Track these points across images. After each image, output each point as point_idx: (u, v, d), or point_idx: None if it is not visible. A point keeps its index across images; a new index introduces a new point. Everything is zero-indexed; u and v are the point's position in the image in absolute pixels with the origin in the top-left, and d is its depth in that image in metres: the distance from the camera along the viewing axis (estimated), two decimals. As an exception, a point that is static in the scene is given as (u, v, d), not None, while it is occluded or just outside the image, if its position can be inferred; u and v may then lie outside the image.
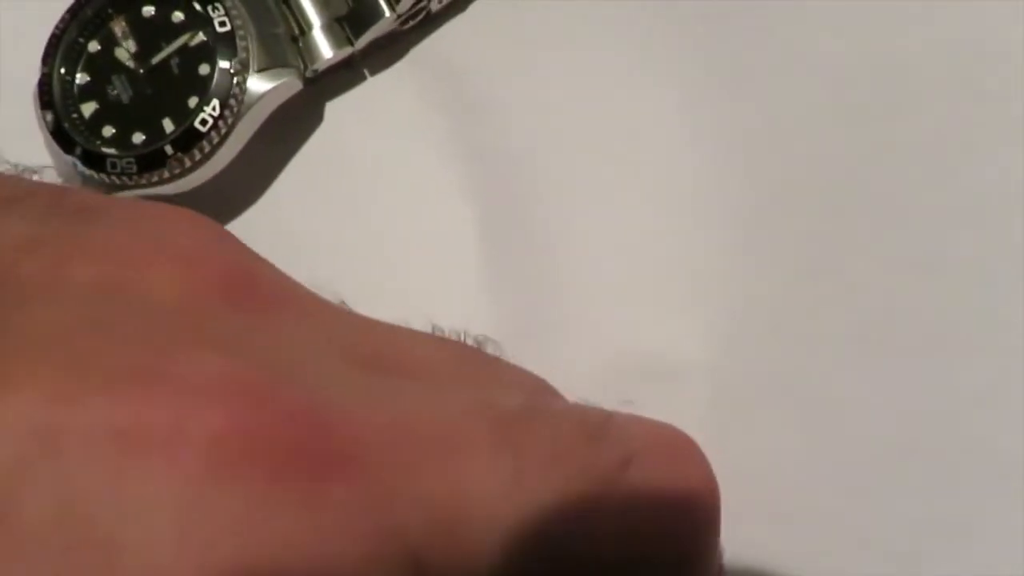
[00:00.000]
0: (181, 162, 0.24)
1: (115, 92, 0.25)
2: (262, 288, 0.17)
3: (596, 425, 0.18)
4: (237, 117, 0.24)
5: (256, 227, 0.26)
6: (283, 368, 0.16)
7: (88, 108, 0.25)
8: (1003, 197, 0.24)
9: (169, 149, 0.24)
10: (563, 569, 0.17)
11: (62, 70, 0.25)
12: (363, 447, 0.15)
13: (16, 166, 0.20)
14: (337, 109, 0.26)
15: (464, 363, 0.19)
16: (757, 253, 0.25)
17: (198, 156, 0.24)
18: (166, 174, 0.24)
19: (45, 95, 0.25)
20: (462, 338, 0.20)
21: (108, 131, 0.25)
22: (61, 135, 0.25)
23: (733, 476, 0.23)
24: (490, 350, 0.21)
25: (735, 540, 0.22)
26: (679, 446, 0.19)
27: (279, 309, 0.17)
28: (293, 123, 0.26)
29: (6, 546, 0.13)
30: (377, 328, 0.18)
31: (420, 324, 0.20)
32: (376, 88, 0.26)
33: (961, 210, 0.24)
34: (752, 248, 0.25)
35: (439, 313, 0.21)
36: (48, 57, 0.25)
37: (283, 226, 0.26)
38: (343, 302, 0.20)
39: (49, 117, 0.25)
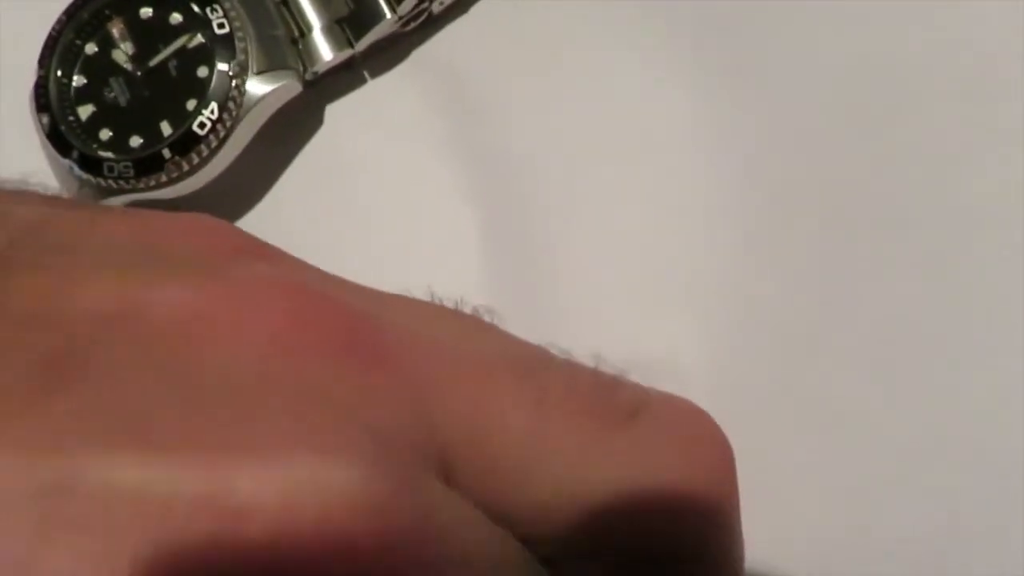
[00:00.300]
0: (179, 166, 0.24)
1: (112, 95, 0.25)
2: (276, 254, 0.18)
3: (609, 376, 0.19)
4: (236, 120, 0.24)
5: (255, 232, 0.25)
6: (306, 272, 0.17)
7: (85, 111, 0.25)
8: (1006, 199, 0.24)
9: (167, 153, 0.24)
10: (576, 499, 0.17)
11: (59, 72, 0.25)
12: (404, 349, 0.16)
13: None
14: (337, 112, 0.26)
15: (476, 323, 0.19)
16: (758, 255, 0.25)
17: (196, 160, 0.24)
18: (164, 178, 0.24)
19: (41, 97, 0.25)
20: (459, 305, 0.20)
21: (105, 134, 0.24)
22: (57, 138, 0.24)
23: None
24: (486, 319, 0.21)
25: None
26: (690, 406, 0.19)
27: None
28: (293, 126, 0.26)
29: (88, 400, 0.14)
30: (387, 295, 0.19)
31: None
32: (377, 90, 0.26)
33: (964, 212, 0.24)
34: (753, 250, 0.25)
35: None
36: (44, 59, 0.25)
37: (283, 230, 0.25)
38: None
39: (45, 120, 0.25)
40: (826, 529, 0.23)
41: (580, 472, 0.17)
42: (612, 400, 0.18)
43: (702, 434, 0.19)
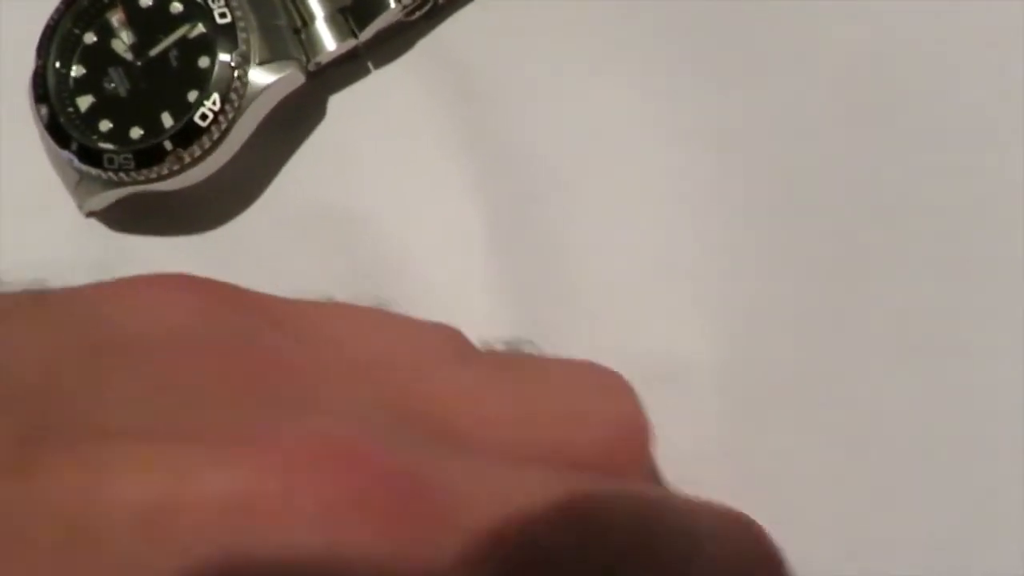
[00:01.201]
0: (180, 158, 0.24)
1: (112, 85, 0.24)
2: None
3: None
4: (238, 112, 0.24)
5: (257, 225, 0.25)
6: (360, 423, 0.16)
7: (84, 102, 0.24)
8: (1019, 192, 0.24)
9: (168, 145, 0.24)
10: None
11: (57, 63, 0.24)
12: (454, 509, 0.16)
13: None
14: (341, 103, 0.26)
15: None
16: (768, 251, 0.24)
17: (198, 152, 0.24)
18: (164, 170, 0.24)
19: (39, 88, 0.24)
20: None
21: (105, 125, 0.24)
22: (56, 130, 0.24)
23: (744, 477, 0.23)
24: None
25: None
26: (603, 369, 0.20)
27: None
28: (295, 118, 0.25)
29: None
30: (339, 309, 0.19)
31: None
32: (381, 81, 0.26)
33: (979, 206, 0.24)
34: (763, 246, 0.24)
35: (443, 313, 0.20)
36: (42, 49, 0.24)
37: (285, 224, 0.25)
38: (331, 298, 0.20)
39: (44, 111, 0.24)
40: (839, 529, 0.23)
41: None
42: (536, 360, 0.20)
43: (610, 377, 0.20)
